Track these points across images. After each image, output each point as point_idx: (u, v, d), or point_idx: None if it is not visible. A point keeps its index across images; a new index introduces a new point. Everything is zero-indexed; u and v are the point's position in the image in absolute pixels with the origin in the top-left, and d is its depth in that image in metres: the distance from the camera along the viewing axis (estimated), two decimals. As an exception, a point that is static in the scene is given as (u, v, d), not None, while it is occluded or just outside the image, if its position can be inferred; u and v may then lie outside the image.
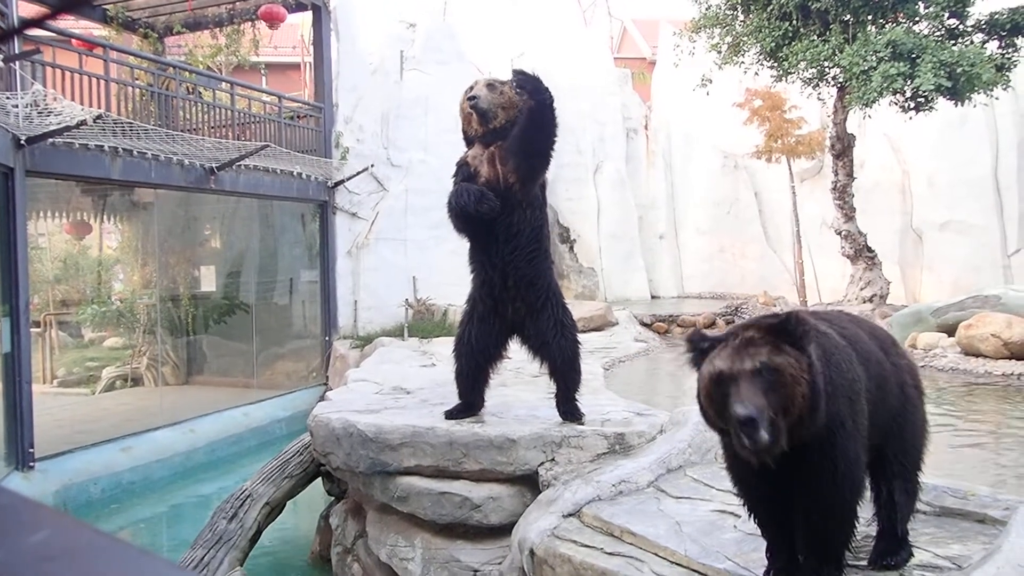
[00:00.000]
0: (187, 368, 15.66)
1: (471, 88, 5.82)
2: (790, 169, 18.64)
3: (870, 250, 15.98)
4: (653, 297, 21.63)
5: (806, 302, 17.95)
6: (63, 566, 0.47)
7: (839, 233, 16.08)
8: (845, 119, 15.59)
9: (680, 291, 22.38)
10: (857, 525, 3.39)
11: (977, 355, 10.46)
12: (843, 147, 15.79)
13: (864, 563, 3.64)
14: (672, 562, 3.93)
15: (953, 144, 18.88)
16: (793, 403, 2.91)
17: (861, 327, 3.64)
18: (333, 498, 7.66)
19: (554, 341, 5.79)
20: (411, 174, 17.78)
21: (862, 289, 15.81)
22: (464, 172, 5.88)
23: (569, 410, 5.83)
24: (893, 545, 3.59)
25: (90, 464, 10.15)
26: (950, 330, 11.25)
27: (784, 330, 3.00)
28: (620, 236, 21.39)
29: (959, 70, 12.87)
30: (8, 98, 9.22)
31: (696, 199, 22.60)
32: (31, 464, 9.44)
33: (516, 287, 5.77)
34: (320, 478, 7.49)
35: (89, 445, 10.57)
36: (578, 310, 13.83)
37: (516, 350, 6.17)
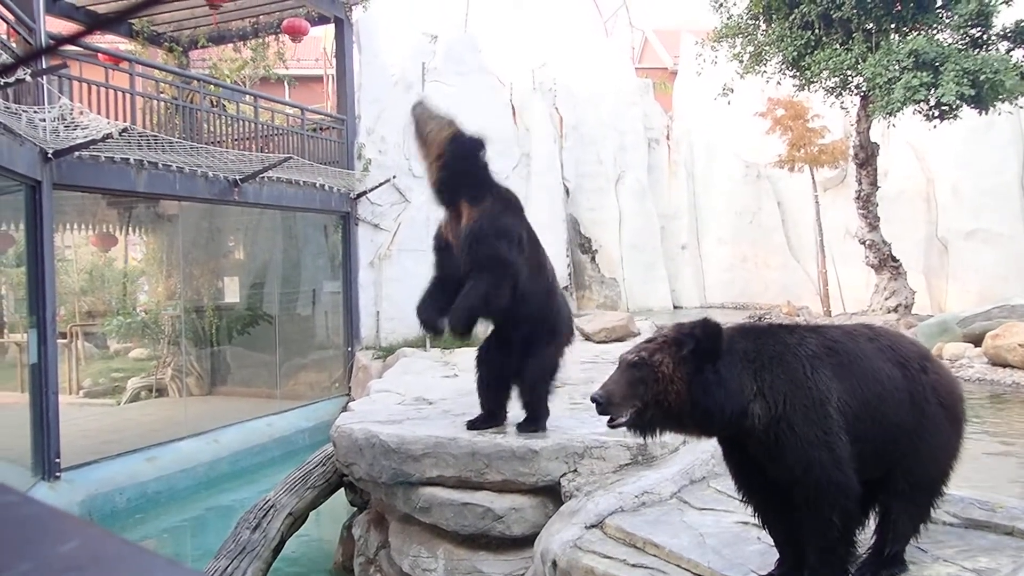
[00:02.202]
0: (211, 379, 15.75)
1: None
2: (813, 178, 18.55)
3: (894, 259, 15.86)
4: (675, 307, 21.54)
5: (830, 312, 17.83)
6: (91, 576, 0.48)
7: (863, 242, 15.97)
8: (868, 128, 15.50)
9: (702, 301, 22.28)
10: (846, 536, 3.37)
11: (1004, 365, 10.33)
12: (866, 156, 15.70)
13: None
14: (695, 574, 3.91)
15: (978, 152, 18.72)
16: (667, 396, 3.27)
17: (878, 341, 3.57)
18: (356, 508, 7.67)
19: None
20: (433, 185, 17.82)
21: (887, 299, 15.69)
22: (438, 242, 5.82)
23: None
24: (875, 565, 3.56)
25: (116, 474, 10.22)
26: (977, 340, 11.13)
27: (684, 335, 3.34)
28: (642, 246, 21.34)
29: (983, 78, 12.76)
30: (36, 112, 9.34)
31: (718, 209, 22.52)
32: (57, 474, 9.52)
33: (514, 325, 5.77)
34: (343, 488, 7.50)
35: (115, 455, 10.64)
36: (600, 320, 13.84)
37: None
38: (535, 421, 5.84)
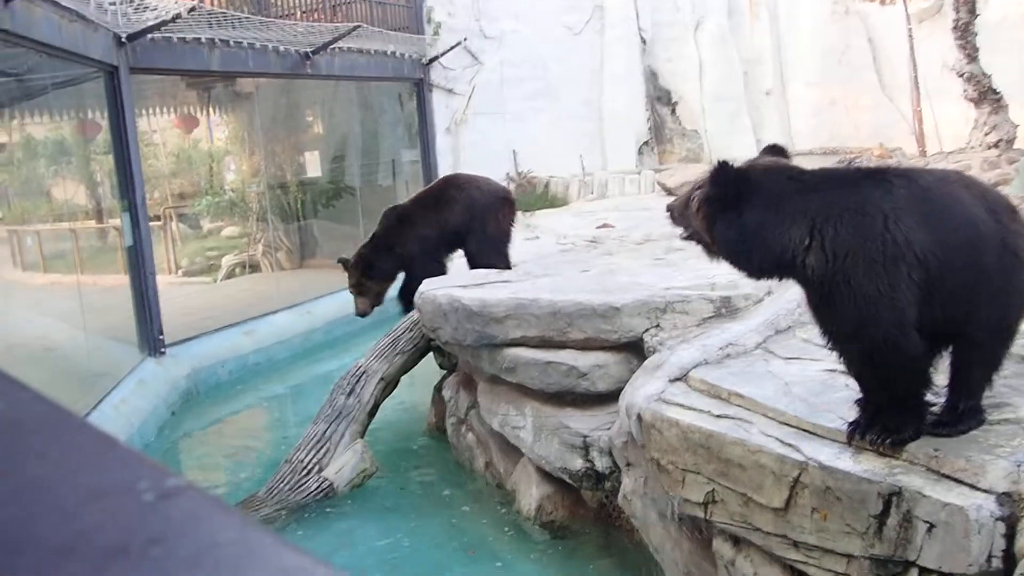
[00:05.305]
0: (300, 252, 16.12)
1: None
2: (906, 10, 17.44)
3: (995, 92, 14.95)
4: (761, 157, 20.88)
5: (925, 152, 17.06)
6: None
7: (961, 75, 15.06)
8: (968, -51, 14.40)
9: (790, 148, 21.36)
10: (912, 390, 3.35)
11: (1114, 198, 9.79)
12: (965, -20, 14.64)
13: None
14: (781, 422, 3.88)
15: (1092, -32, 17.27)
16: (699, 233, 3.61)
17: (971, 188, 3.40)
18: (445, 371, 7.87)
19: None
20: (504, 45, 17.41)
21: (986, 135, 14.88)
22: None
23: None
24: (951, 417, 3.45)
25: (217, 348, 10.64)
26: (1084, 172, 10.54)
27: (706, 179, 3.56)
28: (724, 95, 20.57)
29: None
30: (103, -4, 9.34)
31: (804, 50, 21.43)
32: (163, 350, 9.97)
33: None
34: (431, 353, 7.68)
35: (214, 330, 11.07)
36: (681, 174, 13.59)
37: (617, 220, 6.09)
38: None
